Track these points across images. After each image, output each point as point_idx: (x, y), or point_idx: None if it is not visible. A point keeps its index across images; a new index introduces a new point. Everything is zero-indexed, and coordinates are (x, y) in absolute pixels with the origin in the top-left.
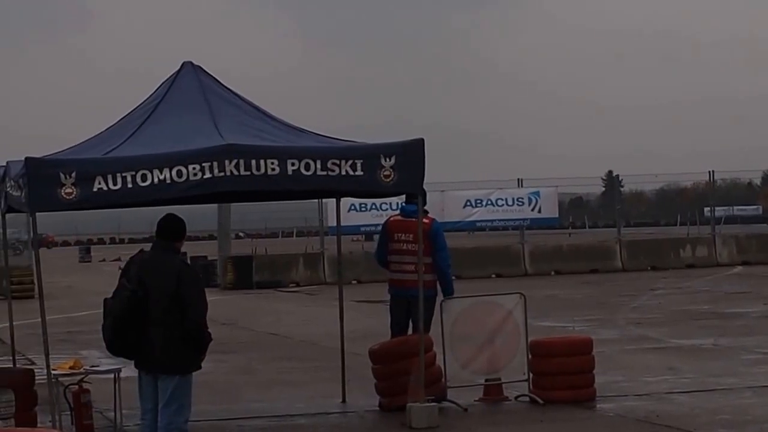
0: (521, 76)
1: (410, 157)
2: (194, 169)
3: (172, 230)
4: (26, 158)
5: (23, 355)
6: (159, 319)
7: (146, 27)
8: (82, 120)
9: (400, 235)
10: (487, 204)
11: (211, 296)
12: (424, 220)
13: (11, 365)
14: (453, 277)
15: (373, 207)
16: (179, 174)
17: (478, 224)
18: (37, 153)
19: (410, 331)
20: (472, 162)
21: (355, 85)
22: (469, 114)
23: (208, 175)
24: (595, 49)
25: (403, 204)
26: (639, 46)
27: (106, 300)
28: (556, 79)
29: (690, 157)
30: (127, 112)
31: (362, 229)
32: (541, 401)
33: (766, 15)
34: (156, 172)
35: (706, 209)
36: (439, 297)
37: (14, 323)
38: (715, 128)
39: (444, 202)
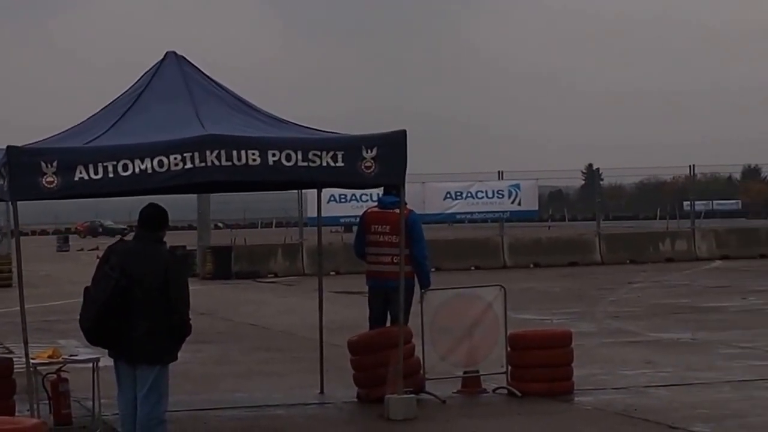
0: (503, 63)
1: (392, 148)
2: (175, 159)
3: (155, 220)
4: (7, 147)
5: (1, 344)
6: (143, 309)
7: (127, 14)
8: (64, 109)
9: (377, 226)
10: (467, 196)
11: (191, 286)
12: None
13: None
14: (433, 269)
15: (353, 198)
16: (160, 164)
17: (458, 216)
18: (19, 142)
19: (389, 323)
20: (453, 151)
21: (337, 75)
22: (451, 103)
23: (189, 165)
24: (581, 36)
25: (381, 195)
26: (628, 34)
27: (86, 289)
28: (538, 66)
29: (672, 148)
30: (109, 102)
31: (342, 220)
32: (519, 394)
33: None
34: (137, 161)
35: (686, 203)
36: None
37: None
38: (701, 119)
39: (424, 194)
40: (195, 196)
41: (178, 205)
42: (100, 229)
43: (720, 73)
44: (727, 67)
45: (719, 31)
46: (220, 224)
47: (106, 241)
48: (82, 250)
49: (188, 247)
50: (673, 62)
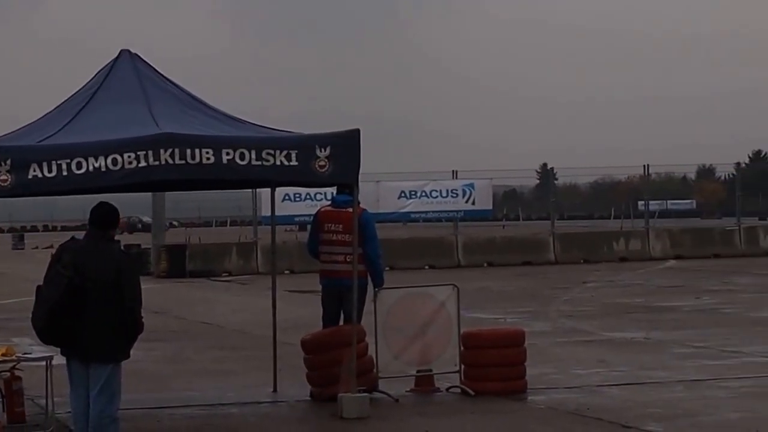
0: (458, 68)
1: (346, 147)
2: (129, 157)
3: (106, 219)
4: None
5: None
6: (95, 307)
7: (81, 4)
8: (30, 100)
9: (330, 225)
10: (421, 195)
11: (144, 285)
12: None
13: None
14: (387, 268)
15: (308, 197)
16: (114, 162)
17: (413, 216)
18: None
19: (342, 322)
20: (407, 152)
21: (290, 74)
22: (406, 104)
23: (143, 163)
24: (533, 44)
25: (334, 194)
26: (580, 42)
27: (38, 288)
28: (492, 73)
29: (626, 154)
30: (63, 100)
31: (296, 219)
32: (472, 393)
33: (707, 11)
34: (91, 159)
35: (640, 203)
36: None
37: None
38: (652, 125)
39: (379, 193)
40: (150, 194)
41: (134, 203)
42: (140, 225)
43: (668, 80)
44: (676, 74)
45: (661, 41)
46: (175, 223)
47: (60, 240)
48: (36, 248)
49: (143, 246)
50: (625, 69)
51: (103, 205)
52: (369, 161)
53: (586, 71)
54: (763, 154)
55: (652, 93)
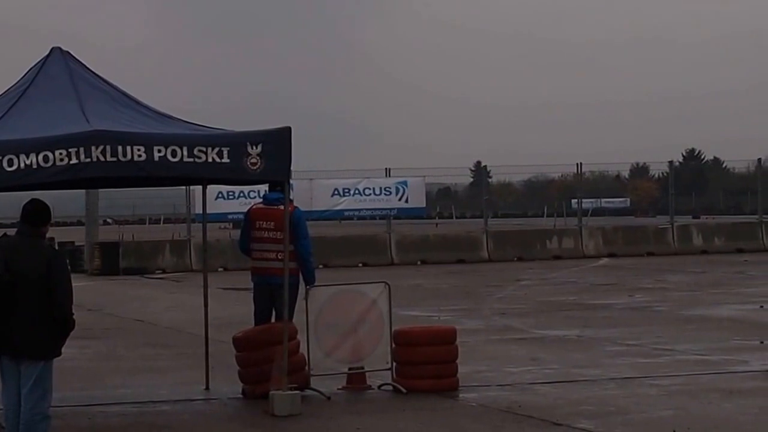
0: (390, 67)
1: (277, 145)
2: (61, 154)
3: (37, 216)
4: None
5: None
6: (26, 305)
7: None
8: None
9: (261, 222)
10: (354, 193)
11: (78, 282)
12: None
13: None
14: (320, 266)
15: (242, 195)
16: (45, 159)
17: (346, 213)
18: None
19: (274, 319)
20: (341, 151)
21: (222, 69)
22: (339, 102)
23: (74, 160)
24: (465, 48)
25: (266, 192)
26: (510, 48)
27: None
28: (425, 74)
29: (559, 157)
30: None
31: (230, 216)
32: (404, 390)
33: (650, 13)
34: (22, 157)
35: (574, 201)
36: (302, 284)
37: None
38: (586, 129)
39: (312, 191)
40: (84, 192)
41: (67, 200)
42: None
43: (604, 85)
44: (610, 79)
45: (606, 42)
46: (109, 220)
47: None
48: None
49: (76, 243)
50: (558, 74)
51: (34, 202)
52: (302, 159)
53: (517, 75)
54: (696, 152)
55: (586, 97)
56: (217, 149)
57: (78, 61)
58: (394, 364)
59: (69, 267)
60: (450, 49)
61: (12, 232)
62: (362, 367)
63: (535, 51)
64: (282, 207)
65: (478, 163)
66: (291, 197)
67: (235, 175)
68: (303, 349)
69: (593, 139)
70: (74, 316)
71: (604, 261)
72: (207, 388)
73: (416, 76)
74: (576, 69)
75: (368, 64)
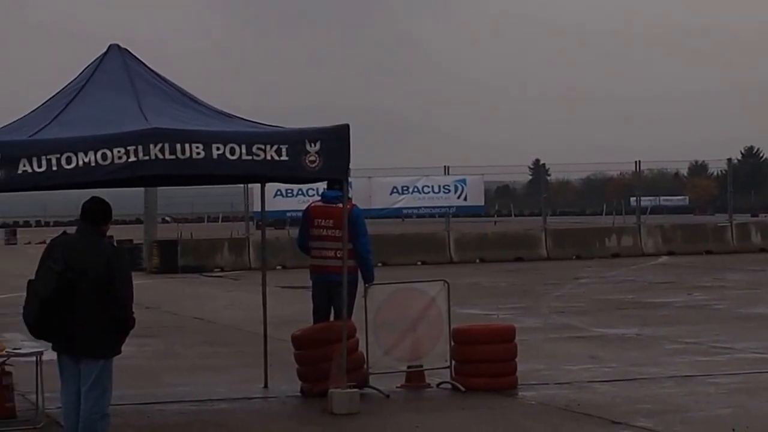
0: (448, 63)
1: (335, 142)
2: (119, 152)
3: (97, 214)
4: None
5: None
6: (86, 303)
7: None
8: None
9: (320, 220)
10: (413, 191)
11: (136, 280)
12: None
13: None
14: (379, 264)
15: (300, 192)
16: (104, 157)
17: (405, 211)
18: None
19: (332, 317)
20: (399, 148)
21: (282, 68)
22: (397, 100)
23: (132, 158)
24: (526, 40)
25: (325, 190)
26: (574, 40)
27: (30, 282)
28: (483, 69)
29: (618, 152)
30: (51, 95)
31: (288, 214)
32: (462, 388)
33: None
34: (81, 154)
35: (632, 199)
36: (361, 283)
37: None
38: (644, 124)
39: (371, 189)
40: (142, 190)
41: (125, 198)
42: None
43: (671, 78)
44: (683, 70)
45: (655, 38)
46: (167, 218)
47: (53, 235)
48: (29, 243)
49: (135, 241)
50: (625, 67)
51: (94, 200)
52: (361, 157)
53: (578, 69)
54: (755, 150)
55: (646, 92)
56: (275, 147)
57: (135, 57)
58: (453, 362)
59: (129, 266)
60: (508, 42)
61: (71, 230)
62: (421, 366)
63: (596, 44)
64: (341, 205)
65: (537, 161)
66: (349, 195)
67: (293, 173)
68: (362, 347)
69: (652, 134)
70: (134, 315)
71: (663, 259)
72: (265, 386)
73: (474, 70)
74: (632, 61)
75: (427, 61)
